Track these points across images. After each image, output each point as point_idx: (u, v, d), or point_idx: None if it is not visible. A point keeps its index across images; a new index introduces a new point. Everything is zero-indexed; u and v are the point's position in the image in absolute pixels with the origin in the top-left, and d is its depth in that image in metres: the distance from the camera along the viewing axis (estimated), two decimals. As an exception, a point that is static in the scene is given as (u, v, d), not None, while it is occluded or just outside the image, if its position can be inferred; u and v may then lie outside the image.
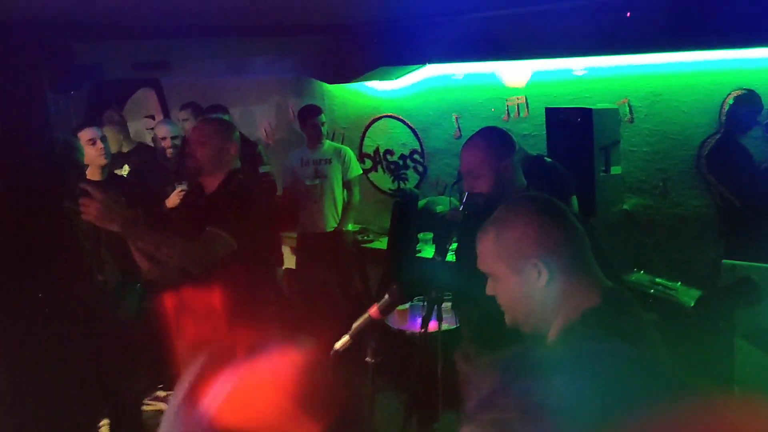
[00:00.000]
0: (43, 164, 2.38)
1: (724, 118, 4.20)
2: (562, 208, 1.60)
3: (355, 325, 1.89)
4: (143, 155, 5.24)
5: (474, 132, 2.92)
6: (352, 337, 1.88)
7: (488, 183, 2.67)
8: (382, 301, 1.89)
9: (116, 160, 4.24)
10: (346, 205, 5.43)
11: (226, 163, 2.96)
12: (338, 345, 1.89)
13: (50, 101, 2.56)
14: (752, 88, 4.07)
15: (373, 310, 1.88)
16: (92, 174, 3.98)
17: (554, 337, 1.47)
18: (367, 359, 1.91)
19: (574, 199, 3.78)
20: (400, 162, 6.09)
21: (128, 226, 2.58)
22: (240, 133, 6.08)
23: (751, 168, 4.15)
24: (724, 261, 3.85)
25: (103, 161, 4.01)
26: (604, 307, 1.47)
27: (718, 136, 4.25)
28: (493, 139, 2.78)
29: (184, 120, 5.34)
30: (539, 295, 1.51)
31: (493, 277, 1.58)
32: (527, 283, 1.51)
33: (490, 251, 1.57)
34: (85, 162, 3.96)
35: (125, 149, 5.13)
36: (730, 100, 4.15)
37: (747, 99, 4.09)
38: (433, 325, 3.21)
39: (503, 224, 1.57)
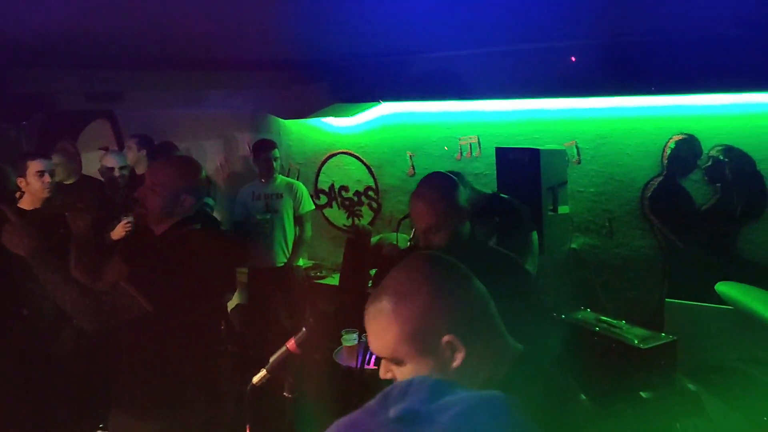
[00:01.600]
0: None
1: (666, 161, 4.33)
2: (465, 270, 1.34)
3: (272, 359, 1.87)
4: (88, 186, 5.15)
5: (425, 175, 2.77)
6: (269, 371, 1.86)
7: (444, 235, 2.50)
8: (299, 334, 1.88)
9: (59, 191, 4.15)
10: (297, 240, 5.40)
11: (177, 213, 2.65)
12: (255, 379, 1.87)
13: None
14: (692, 133, 4.21)
15: (291, 343, 1.87)
16: (30, 203, 3.90)
17: None
18: (285, 394, 1.88)
19: (534, 235, 3.83)
20: (355, 198, 6.12)
21: (34, 256, 2.41)
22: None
23: (691, 209, 4.28)
24: (667, 300, 3.94)
25: (46, 195, 3.92)
26: (513, 377, 1.27)
27: (660, 179, 4.38)
28: (436, 183, 2.63)
29: (128, 149, 5.28)
30: (453, 375, 1.25)
31: (392, 360, 1.29)
32: (439, 365, 1.25)
33: (387, 330, 1.26)
34: (28, 193, 3.88)
35: (70, 181, 5.03)
36: (672, 144, 4.29)
37: (687, 143, 4.23)
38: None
39: (403, 295, 1.27)
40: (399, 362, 1.27)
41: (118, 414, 2.67)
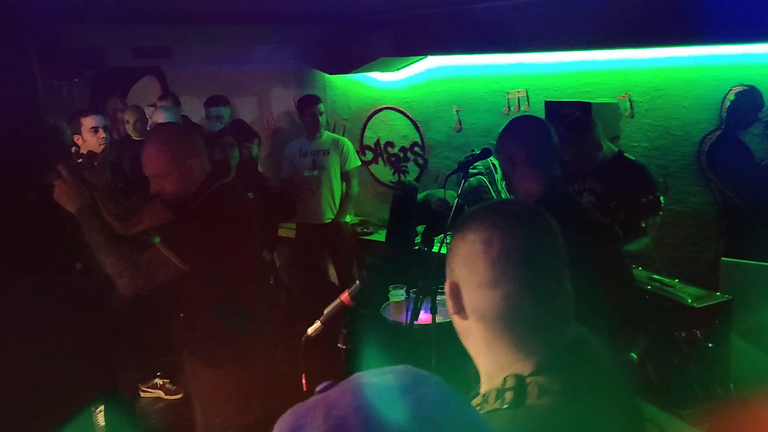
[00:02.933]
0: (31, 148, 2.37)
1: (725, 114, 4.16)
2: (534, 240, 1.16)
3: (326, 311, 1.89)
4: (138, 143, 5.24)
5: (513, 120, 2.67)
6: (323, 323, 1.88)
7: (505, 167, 2.55)
8: (353, 287, 1.88)
9: (115, 146, 4.23)
10: (344, 197, 5.42)
11: (195, 177, 2.66)
12: (310, 330, 1.89)
13: (41, 85, 2.53)
14: (753, 84, 4.02)
15: (345, 296, 1.88)
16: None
17: (479, 398, 1.16)
18: (339, 345, 1.90)
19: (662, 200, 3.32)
20: (401, 154, 6.08)
21: (83, 213, 2.46)
22: (241, 121, 6.09)
23: (751, 165, 4.12)
24: (723, 259, 3.83)
25: (101, 150, 4.00)
26: (545, 372, 1.12)
27: (718, 133, 4.22)
28: (518, 127, 2.58)
29: (164, 108, 5.30)
30: (455, 322, 1.22)
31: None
32: (446, 301, 1.22)
33: (449, 259, 1.24)
34: (84, 150, 3.96)
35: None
36: (732, 96, 4.11)
37: (748, 95, 4.05)
38: (427, 318, 3.21)
39: (462, 220, 1.23)
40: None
41: (188, 361, 2.86)
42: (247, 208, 2.93)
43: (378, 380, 0.73)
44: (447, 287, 1.21)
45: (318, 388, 0.74)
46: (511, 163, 2.51)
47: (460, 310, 1.19)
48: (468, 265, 1.16)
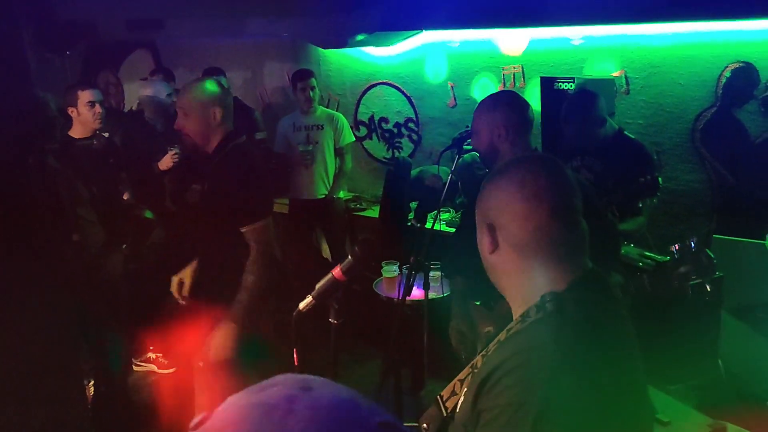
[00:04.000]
0: (22, 121, 2.34)
1: (720, 91, 4.15)
2: (556, 181, 1.38)
3: (318, 286, 1.89)
4: (133, 117, 5.20)
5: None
6: (314, 298, 1.88)
7: (483, 143, 2.64)
8: (345, 262, 1.88)
9: (106, 121, 4.18)
10: (338, 173, 5.40)
11: (215, 127, 2.88)
12: (302, 305, 1.90)
13: (31, 57, 2.50)
14: (750, 61, 4.00)
15: (336, 271, 1.88)
16: (81, 132, 3.94)
17: (517, 318, 1.35)
18: (330, 320, 1.90)
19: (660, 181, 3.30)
20: (395, 130, 6.05)
21: None
22: (236, 98, 6.05)
23: (745, 143, 4.12)
24: (715, 236, 3.85)
25: (97, 125, 3.97)
26: (574, 291, 1.31)
27: (714, 110, 4.20)
28: (498, 103, 2.71)
29: (155, 83, 5.20)
30: (491, 261, 1.41)
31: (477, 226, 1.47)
32: (481, 245, 1.41)
33: (479, 197, 1.45)
34: (78, 122, 3.92)
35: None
36: (727, 73, 4.09)
37: (744, 72, 4.03)
38: (420, 294, 3.22)
39: (492, 174, 1.45)
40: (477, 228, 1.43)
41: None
42: (262, 167, 3.12)
43: (259, 398, 0.66)
44: (483, 231, 1.40)
45: (192, 424, 0.66)
46: (504, 130, 2.58)
47: (495, 247, 1.38)
48: (504, 206, 1.36)
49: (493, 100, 2.75)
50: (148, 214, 4.62)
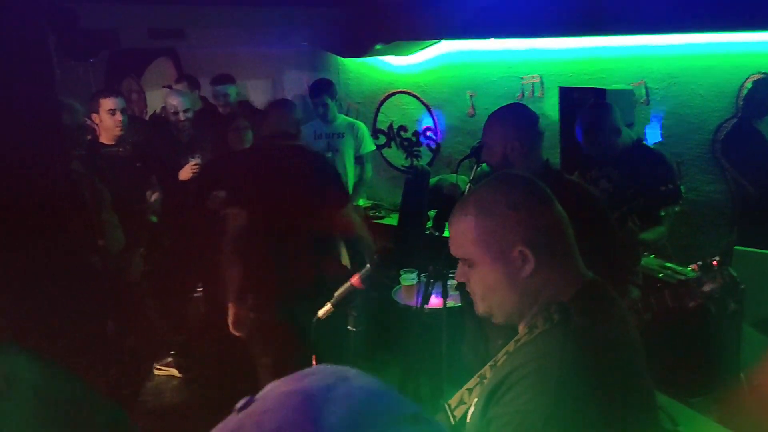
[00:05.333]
0: (48, 127, 2.39)
1: (741, 102, 4.12)
2: (548, 191, 1.45)
3: (337, 294, 1.91)
4: (156, 126, 5.24)
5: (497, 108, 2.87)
6: (333, 306, 1.91)
7: (496, 155, 2.66)
8: (364, 270, 1.90)
9: (129, 128, 4.24)
10: (358, 181, 5.42)
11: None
12: (321, 313, 1.92)
13: (56, 65, 2.55)
14: (772, 73, 3.99)
15: (355, 279, 1.90)
16: (105, 139, 4.01)
17: (524, 329, 1.38)
18: (349, 327, 1.92)
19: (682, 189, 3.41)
20: (414, 139, 6.07)
21: None
22: (248, 103, 6.09)
23: (766, 154, 4.09)
24: (736, 248, 3.81)
25: (118, 132, 4.02)
26: (578, 300, 1.36)
27: (734, 121, 4.18)
28: (510, 116, 2.75)
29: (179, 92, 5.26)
30: (521, 285, 1.38)
31: (466, 262, 1.44)
32: (509, 272, 1.37)
33: (466, 234, 1.41)
34: (101, 129, 3.99)
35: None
36: (749, 84, 4.07)
37: (766, 83, 4.01)
38: (438, 302, 3.22)
39: (486, 205, 1.41)
40: (472, 264, 1.42)
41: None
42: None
43: (299, 386, 0.69)
44: (509, 260, 1.38)
45: (238, 406, 0.69)
46: (519, 143, 2.61)
47: (533, 267, 1.37)
48: (530, 220, 1.39)
49: (505, 113, 2.77)
50: (153, 219, 4.66)
